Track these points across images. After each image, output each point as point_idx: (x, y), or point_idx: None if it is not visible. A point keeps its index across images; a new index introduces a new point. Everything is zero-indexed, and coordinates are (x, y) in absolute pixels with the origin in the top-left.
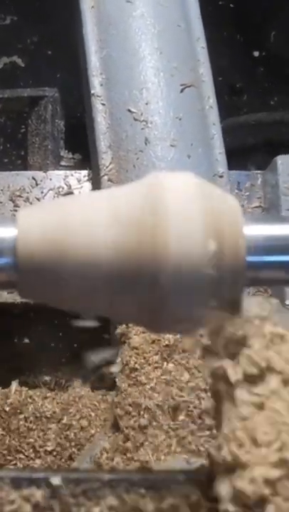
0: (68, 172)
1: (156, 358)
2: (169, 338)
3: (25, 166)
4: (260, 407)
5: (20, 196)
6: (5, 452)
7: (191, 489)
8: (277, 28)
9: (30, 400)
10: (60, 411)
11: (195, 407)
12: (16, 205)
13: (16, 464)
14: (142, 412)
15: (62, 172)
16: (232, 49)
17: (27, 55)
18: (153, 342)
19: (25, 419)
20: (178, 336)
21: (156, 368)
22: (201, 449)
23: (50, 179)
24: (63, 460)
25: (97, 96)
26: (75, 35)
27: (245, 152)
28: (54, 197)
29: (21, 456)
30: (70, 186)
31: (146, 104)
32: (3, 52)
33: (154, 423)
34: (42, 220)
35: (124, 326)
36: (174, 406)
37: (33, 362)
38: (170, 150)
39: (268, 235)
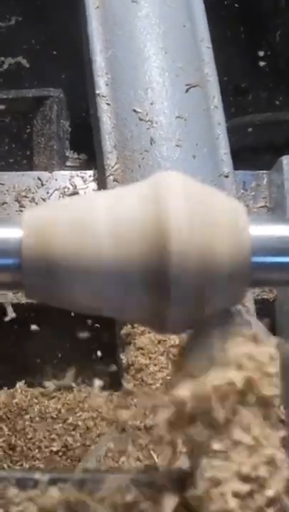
0: (74, 172)
1: (162, 358)
2: (174, 338)
3: (30, 167)
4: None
5: (25, 197)
6: (10, 453)
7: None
8: (283, 27)
9: (35, 401)
10: (66, 411)
11: None
12: (22, 206)
13: (22, 465)
14: (147, 413)
15: (67, 172)
16: (237, 49)
17: (32, 56)
18: (158, 342)
19: (31, 419)
20: (183, 336)
21: (161, 368)
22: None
23: (56, 179)
24: (69, 460)
25: (103, 96)
26: (79, 35)
27: (251, 152)
28: (59, 197)
29: (27, 456)
30: (75, 186)
31: (152, 104)
32: (8, 52)
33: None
34: (47, 221)
35: (129, 326)
36: None
37: (39, 362)
38: (175, 150)
39: (274, 235)
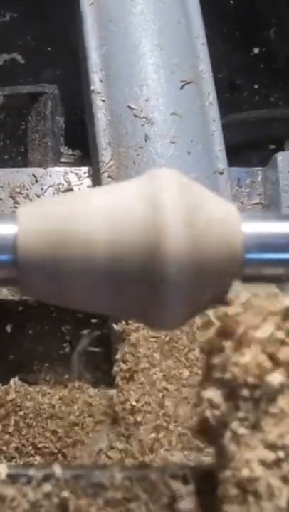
0: (68, 169)
1: (156, 354)
2: (168, 334)
3: (25, 163)
4: None
5: (20, 193)
6: (4, 449)
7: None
8: (278, 24)
9: (29, 397)
10: (60, 408)
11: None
12: (16, 202)
13: (16, 461)
14: (141, 409)
15: (62, 169)
16: (232, 46)
17: (27, 52)
18: (153, 338)
19: (25, 416)
20: (177, 332)
21: (155, 364)
22: (201, 445)
23: (50, 176)
24: (63, 457)
25: (97, 92)
26: (74, 31)
27: (246, 149)
28: (54, 194)
29: (21, 453)
30: (70, 183)
31: (147, 100)
32: (2, 49)
33: (154, 420)
34: (42, 217)
35: (123, 322)
36: (174, 402)
37: (33, 359)
38: (170, 147)
39: (267, 232)
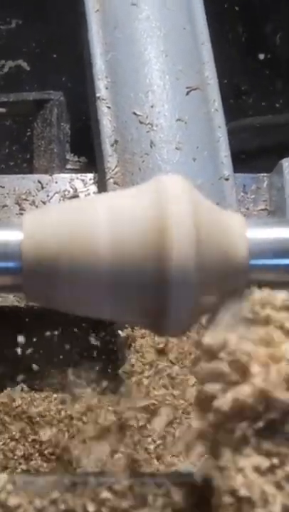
0: (74, 175)
1: (162, 360)
2: (174, 340)
3: (31, 170)
4: None
5: (26, 200)
6: (11, 455)
7: (192, 491)
8: (283, 30)
9: (35, 404)
10: (66, 413)
11: None
12: (22, 209)
13: (22, 468)
14: (147, 415)
15: (68, 175)
16: (237, 51)
17: (32, 59)
18: (158, 345)
19: (31, 422)
20: (183, 338)
21: (161, 370)
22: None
23: (56, 182)
24: (69, 463)
25: (103, 99)
26: (80, 38)
27: (251, 155)
28: (60, 200)
29: (27, 459)
30: (75, 189)
31: (152, 107)
32: (8, 55)
33: (161, 425)
34: (47, 224)
35: (129, 328)
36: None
37: (39, 364)
38: (175, 153)
39: (272, 238)
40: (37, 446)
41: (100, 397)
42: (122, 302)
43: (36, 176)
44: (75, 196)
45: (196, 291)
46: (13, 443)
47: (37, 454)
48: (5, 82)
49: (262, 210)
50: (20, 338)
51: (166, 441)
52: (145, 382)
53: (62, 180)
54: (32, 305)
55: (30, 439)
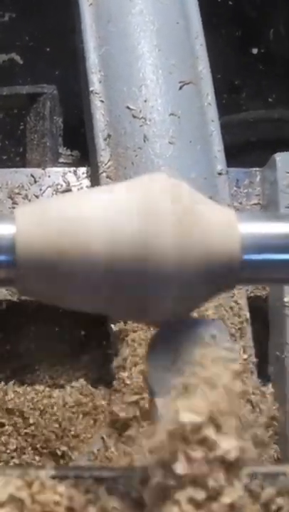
0: (67, 169)
1: None
2: None
3: (23, 163)
4: None
5: (18, 193)
6: (3, 449)
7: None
8: (276, 25)
9: (28, 398)
10: (59, 408)
11: None
12: (15, 203)
13: (14, 462)
14: (141, 409)
15: (60, 169)
16: (231, 46)
17: (25, 52)
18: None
19: (24, 416)
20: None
21: None
22: None
23: (49, 176)
24: (62, 457)
25: (96, 93)
26: (73, 32)
27: (244, 149)
28: (52, 194)
29: (20, 453)
30: (68, 183)
31: (145, 101)
32: (1, 49)
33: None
34: (40, 217)
35: (122, 323)
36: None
37: (32, 359)
38: (169, 147)
39: (264, 233)
40: (29, 439)
41: (93, 390)
42: (115, 296)
43: (29, 170)
44: (68, 190)
45: (187, 285)
46: (5, 437)
47: (29, 448)
48: None
49: (255, 204)
50: (12, 332)
51: None
52: (138, 375)
53: (55, 174)
54: (25, 298)
55: (22, 433)
